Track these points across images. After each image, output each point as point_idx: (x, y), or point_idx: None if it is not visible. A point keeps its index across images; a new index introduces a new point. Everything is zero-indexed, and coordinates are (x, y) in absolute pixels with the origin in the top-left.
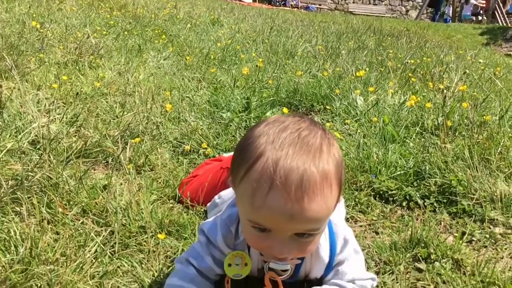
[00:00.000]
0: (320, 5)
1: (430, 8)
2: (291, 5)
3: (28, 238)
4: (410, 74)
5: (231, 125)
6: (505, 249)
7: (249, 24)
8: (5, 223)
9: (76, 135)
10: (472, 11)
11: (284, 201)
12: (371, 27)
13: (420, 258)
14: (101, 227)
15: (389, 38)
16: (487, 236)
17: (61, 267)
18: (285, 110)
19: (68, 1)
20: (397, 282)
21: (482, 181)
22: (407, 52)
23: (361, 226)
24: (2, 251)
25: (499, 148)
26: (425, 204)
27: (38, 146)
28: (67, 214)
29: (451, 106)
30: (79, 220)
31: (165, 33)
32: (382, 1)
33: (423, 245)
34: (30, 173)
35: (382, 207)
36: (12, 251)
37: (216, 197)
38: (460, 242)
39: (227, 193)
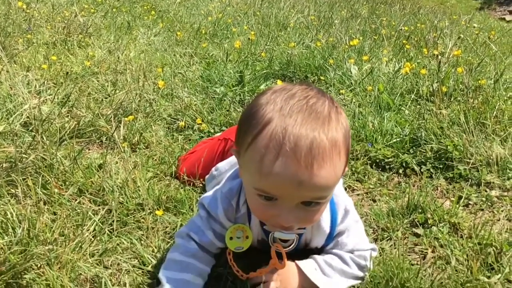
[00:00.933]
0: None
1: None
2: None
3: (25, 219)
4: (404, 41)
5: (225, 100)
6: (502, 211)
7: None
8: (1, 206)
9: (68, 115)
10: None
11: (293, 167)
12: None
13: (418, 223)
14: (98, 205)
15: (382, 6)
16: (484, 199)
17: (60, 246)
18: (279, 82)
19: None
20: (395, 248)
21: (478, 145)
22: (400, 19)
23: (358, 194)
24: (0, 234)
25: (494, 112)
26: (422, 170)
27: (30, 128)
28: (63, 195)
29: (446, 72)
30: (76, 200)
31: (154, 9)
32: None
33: (420, 210)
34: (24, 155)
35: (379, 175)
36: (10, 233)
37: (213, 169)
38: (457, 206)
39: (224, 165)
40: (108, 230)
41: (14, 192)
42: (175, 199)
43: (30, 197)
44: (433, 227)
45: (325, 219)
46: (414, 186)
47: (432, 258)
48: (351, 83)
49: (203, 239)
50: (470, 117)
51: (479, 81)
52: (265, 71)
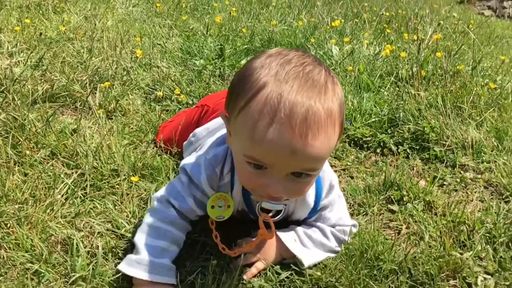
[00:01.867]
0: None
1: None
2: None
3: None
4: (385, 25)
5: (204, 72)
6: (475, 192)
7: None
8: None
9: (42, 79)
10: None
11: (287, 135)
12: None
13: (393, 200)
14: (71, 169)
15: None
16: (458, 180)
17: (31, 207)
18: None
19: None
20: (370, 223)
21: (454, 128)
22: (382, 5)
23: (336, 171)
24: None
25: (471, 97)
26: (399, 150)
27: (1, 89)
28: (34, 156)
29: (425, 56)
30: (48, 162)
31: None
32: None
33: (396, 188)
34: None
35: (357, 153)
36: None
37: (190, 135)
38: (432, 185)
39: (201, 130)
40: (81, 194)
41: None
42: (151, 166)
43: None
44: (408, 204)
45: (310, 192)
46: (391, 165)
47: (406, 233)
48: (332, 63)
49: (183, 205)
50: (447, 101)
51: (458, 67)
52: (245, 47)
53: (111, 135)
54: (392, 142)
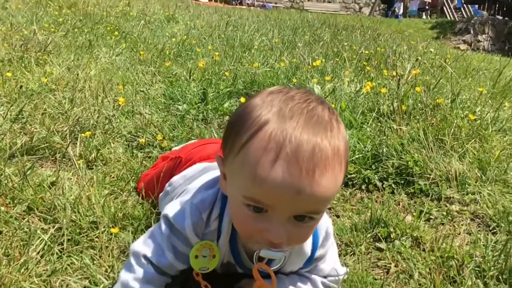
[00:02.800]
0: (276, 3)
1: (383, 5)
2: (247, 3)
3: None
4: (365, 63)
5: (187, 117)
6: (462, 225)
7: (205, 21)
8: None
9: (21, 132)
10: (419, 6)
11: (293, 173)
12: (326, 22)
13: (381, 237)
14: (49, 223)
15: (344, 32)
16: (444, 213)
17: (4, 267)
18: (243, 99)
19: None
20: (358, 263)
21: (438, 161)
22: (361, 44)
23: None
24: None
25: (452, 129)
26: (384, 186)
27: None
28: (10, 212)
29: (405, 91)
30: (24, 218)
31: (118, 29)
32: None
33: (382, 225)
34: None
35: (342, 191)
36: None
37: (166, 185)
38: (418, 220)
39: (178, 179)
40: (58, 250)
41: None
42: (132, 216)
43: None
44: (395, 241)
45: (307, 241)
46: (376, 201)
47: (395, 272)
48: None
49: (161, 260)
50: (429, 134)
51: (437, 100)
52: (228, 89)
53: (91, 185)
54: (376, 178)
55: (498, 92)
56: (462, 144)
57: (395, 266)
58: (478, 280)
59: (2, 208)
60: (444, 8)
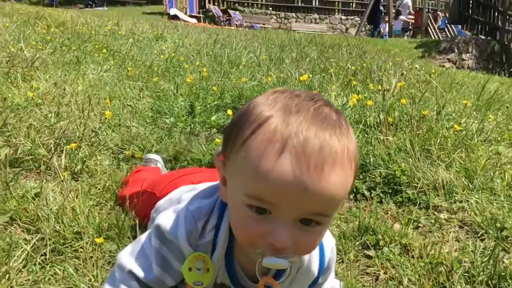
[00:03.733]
0: (264, 24)
1: (369, 25)
2: (236, 24)
3: None
4: (351, 77)
5: (175, 130)
6: (450, 232)
7: (193, 39)
8: None
9: (5, 145)
10: (402, 26)
11: (301, 166)
12: (313, 40)
13: (369, 245)
14: (31, 234)
15: (330, 50)
16: (433, 221)
17: None
18: (230, 112)
19: (1, 18)
20: (347, 271)
21: (425, 170)
22: (348, 61)
23: None
24: None
25: (438, 139)
26: (372, 195)
27: None
28: None
29: (391, 103)
30: (7, 229)
31: (106, 47)
32: (323, 20)
33: (371, 232)
34: None
35: None
36: None
37: (152, 211)
38: (407, 227)
39: (163, 203)
40: (40, 260)
41: None
42: (118, 227)
43: None
44: (384, 248)
45: (315, 260)
46: (365, 211)
47: (384, 279)
48: None
49: (148, 276)
50: (415, 144)
51: (423, 112)
52: (216, 103)
53: (76, 196)
54: (364, 187)
55: (483, 105)
56: (449, 154)
57: (384, 273)
58: (468, 286)
59: None
60: (429, 29)
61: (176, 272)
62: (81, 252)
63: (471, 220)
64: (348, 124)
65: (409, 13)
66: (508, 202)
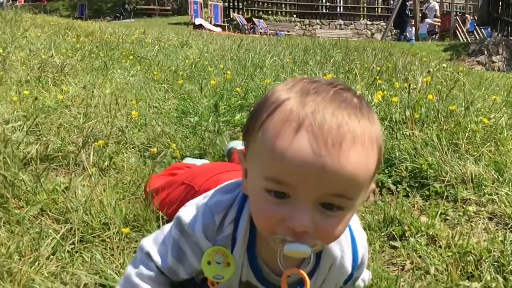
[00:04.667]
0: (288, 31)
1: (395, 30)
2: (260, 32)
3: None
4: (376, 77)
5: (199, 128)
6: (479, 224)
7: (218, 45)
8: None
9: (36, 142)
10: (428, 29)
11: (318, 143)
12: (337, 44)
13: (395, 235)
14: (60, 224)
15: (355, 53)
16: (461, 213)
17: (15, 262)
18: None
19: (33, 29)
20: (372, 261)
21: (453, 164)
22: (373, 62)
23: None
24: None
25: (467, 133)
26: (398, 189)
27: None
28: (22, 213)
29: (417, 98)
30: (37, 219)
31: (133, 54)
32: (348, 26)
33: (397, 224)
34: None
35: None
36: None
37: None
38: (434, 219)
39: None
40: (69, 248)
41: None
42: (143, 218)
43: None
44: (410, 238)
45: (347, 256)
46: (390, 205)
47: (410, 269)
48: None
49: (163, 264)
50: (442, 138)
51: (450, 107)
52: (240, 103)
53: (103, 190)
54: (390, 181)
55: None
56: (477, 148)
57: (410, 263)
58: (497, 275)
59: (16, 211)
60: (457, 32)
61: (189, 265)
62: (108, 241)
63: (500, 212)
64: (370, 108)
65: (435, 16)
66: None
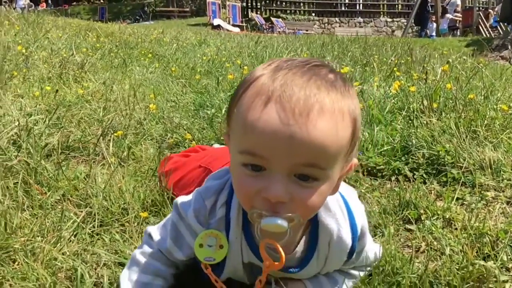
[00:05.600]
0: (307, 30)
1: (416, 26)
2: (278, 31)
3: (1, 213)
4: (394, 69)
5: (216, 120)
6: (496, 208)
7: (235, 42)
8: None
9: (58, 133)
10: (449, 24)
11: (285, 113)
12: (356, 40)
13: (411, 219)
14: (81, 209)
15: (374, 48)
16: (478, 198)
17: (38, 242)
18: None
19: (54, 30)
20: (387, 244)
21: (471, 151)
22: (392, 55)
23: None
24: None
25: (485, 121)
26: (415, 176)
27: (18, 144)
28: (44, 197)
29: (435, 87)
30: (59, 204)
31: (151, 53)
32: (367, 24)
33: (412, 207)
34: (7, 162)
35: (371, 181)
36: None
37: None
38: (450, 201)
39: None
40: (89, 231)
41: None
42: (160, 203)
43: (11, 195)
44: (426, 221)
45: (344, 228)
46: (406, 190)
47: (425, 250)
48: None
49: (162, 244)
50: (461, 126)
51: (470, 96)
52: None
53: (122, 177)
54: (407, 168)
55: None
56: (496, 135)
57: (425, 244)
58: None
59: (39, 197)
60: (480, 27)
61: (187, 247)
62: (127, 225)
63: None
64: (347, 84)
65: (455, 11)
66: None
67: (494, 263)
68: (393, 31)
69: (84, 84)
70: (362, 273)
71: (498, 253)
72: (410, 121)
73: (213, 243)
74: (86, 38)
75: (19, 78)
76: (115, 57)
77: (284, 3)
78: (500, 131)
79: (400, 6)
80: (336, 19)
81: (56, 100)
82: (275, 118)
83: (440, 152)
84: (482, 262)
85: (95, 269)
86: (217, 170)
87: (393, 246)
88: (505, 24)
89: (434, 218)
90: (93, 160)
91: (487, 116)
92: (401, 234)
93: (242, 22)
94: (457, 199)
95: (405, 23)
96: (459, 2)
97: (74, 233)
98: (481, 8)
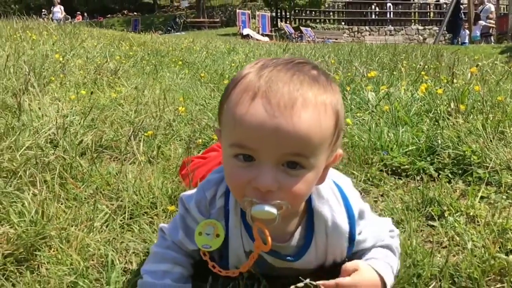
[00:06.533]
0: (336, 39)
1: (448, 34)
2: (308, 40)
3: (40, 204)
4: (422, 73)
5: None
6: None
7: (264, 50)
8: (21, 198)
9: (92, 133)
10: (482, 31)
11: (271, 107)
12: (385, 47)
13: (434, 215)
14: (113, 201)
15: (404, 54)
16: (504, 197)
17: (72, 231)
18: None
19: (90, 40)
20: (408, 240)
21: (498, 151)
22: (421, 60)
23: (374, 197)
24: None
25: None
26: (440, 176)
27: (55, 143)
28: (78, 190)
29: (464, 90)
30: (92, 198)
31: (182, 60)
32: (398, 32)
33: (436, 204)
34: (44, 158)
35: (395, 180)
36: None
37: None
38: (474, 198)
39: None
40: (120, 222)
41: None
42: None
43: (48, 187)
44: (449, 217)
45: (339, 213)
46: (429, 188)
47: (448, 245)
48: (368, 107)
49: (174, 236)
50: (488, 127)
51: (498, 98)
52: None
53: (152, 174)
54: (432, 168)
55: None
56: None
57: (448, 239)
58: None
59: (73, 191)
60: None
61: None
62: (155, 218)
63: None
64: (329, 80)
65: (488, 18)
66: None
67: None
68: (424, 39)
69: (117, 88)
70: (393, 241)
71: None
72: (436, 123)
73: (211, 231)
74: (119, 47)
75: (56, 83)
76: (147, 64)
77: (313, 12)
78: None
79: (432, 14)
80: (366, 27)
81: (90, 103)
82: (261, 112)
83: (466, 152)
84: (503, 256)
85: (125, 256)
86: None
87: (415, 240)
88: None
89: (457, 214)
90: (124, 158)
91: None
92: (423, 230)
93: (271, 31)
94: (482, 197)
95: (437, 31)
96: (493, 9)
97: (106, 223)
98: None
